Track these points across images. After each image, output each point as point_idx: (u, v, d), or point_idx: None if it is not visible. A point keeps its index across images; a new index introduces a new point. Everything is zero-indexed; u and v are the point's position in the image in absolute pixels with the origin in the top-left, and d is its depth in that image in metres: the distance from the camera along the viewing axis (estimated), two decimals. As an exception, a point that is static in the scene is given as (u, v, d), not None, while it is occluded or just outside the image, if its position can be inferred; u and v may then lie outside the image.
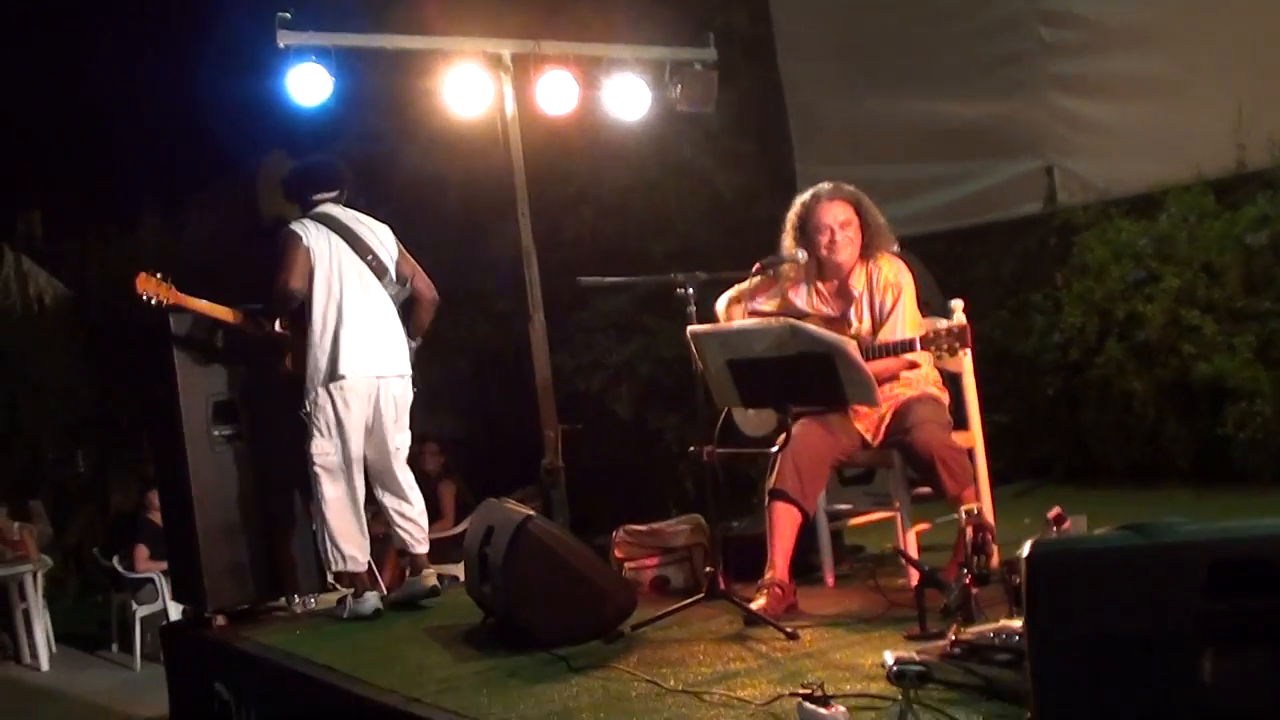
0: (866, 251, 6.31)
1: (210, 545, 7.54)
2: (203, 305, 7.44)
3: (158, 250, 7.64)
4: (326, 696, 5.71)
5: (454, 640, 6.28)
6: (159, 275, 7.28)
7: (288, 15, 8.28)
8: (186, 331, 7.56)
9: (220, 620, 7.56)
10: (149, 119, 20.30)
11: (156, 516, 10.78)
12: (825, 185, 6.41)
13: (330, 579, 7.48)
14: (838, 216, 6.30)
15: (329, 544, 7.33)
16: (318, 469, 7.29)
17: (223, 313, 7.46)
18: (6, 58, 19.08)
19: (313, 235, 7.36)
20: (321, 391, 7.25)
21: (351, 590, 7.34)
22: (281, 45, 8.32)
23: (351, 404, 7.28)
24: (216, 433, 7.63)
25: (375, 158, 14.49)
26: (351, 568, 7.33)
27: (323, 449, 7.29)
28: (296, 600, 7.86)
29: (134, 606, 12.63)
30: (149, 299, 7.25)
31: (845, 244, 6.29)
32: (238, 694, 6.87)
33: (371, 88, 11.31)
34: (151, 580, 12.49)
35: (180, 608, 9.49)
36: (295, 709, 6.17)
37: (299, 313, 7.35)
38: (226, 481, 7.67)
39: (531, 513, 6.02)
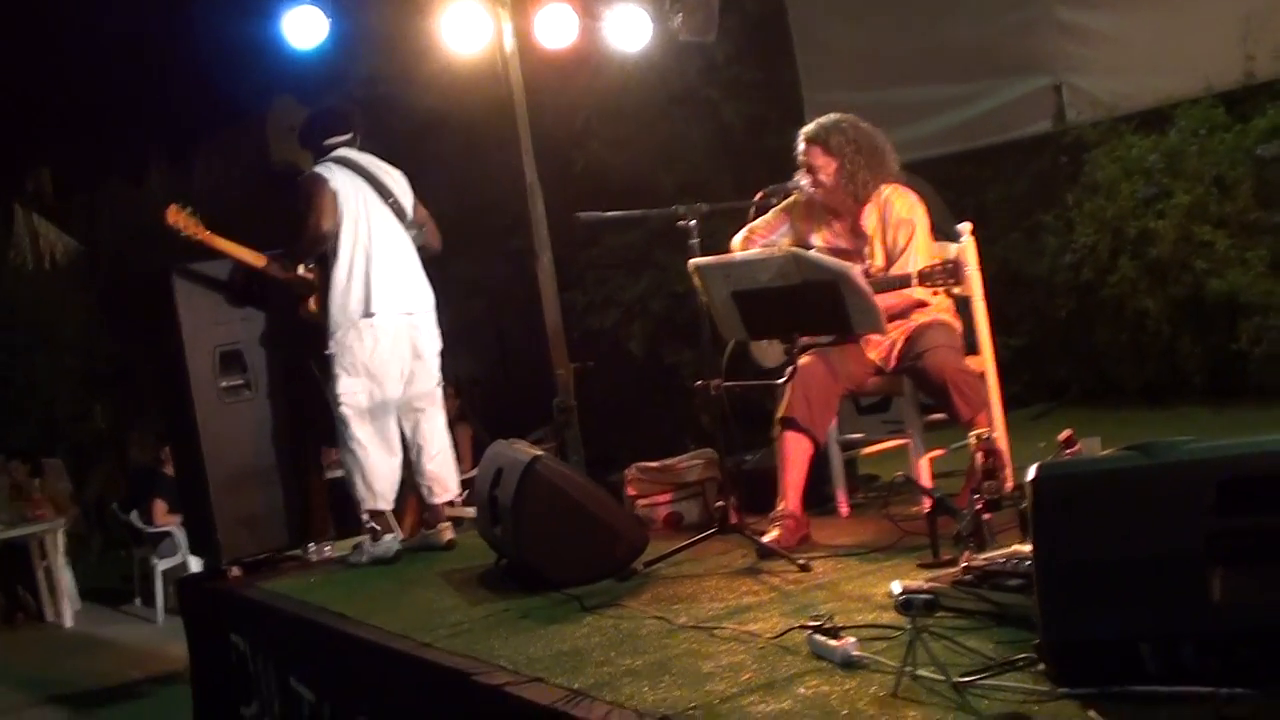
0: (854, 189, 6.21)
1: (223, 497, 7.55)
2: (229, 246, 7.47)
3: (167, 201, 7.63)
4: (339, 643, 5.70)
5: (467, 583, 6.26)
6: (189, 210, 7.30)
7: (281, -43, 8.22)
8: (190, 283, 7.54)
9: (235, 572, 7.58)
10: (152, 70, 20.26)
11: (173, 470, 10.79)
12: (809, 125, 6.34)
13: (365, 519, 7.44)
14: (807, 159, 6.27)
15: (360, 483, 7.33)
16: (345, 409, 7.27)
17: (248, 255, 7.46)
18: (7, 16, 19.00)
19: (338, 177, 7.34)
20: (350, 331, 7.22)
21: (369, 535, 7.33)
22: (274, -13, 8.26)
23: (382, 341, 7.27)
24: (224, 383, 7.63)
25: (382, 100, 14.43)
26: (381, 505, 7.35)
27: (349, 389, 7.26)
28: (312, 548, 7.87)
29: (154, 561, 12.70)
30: (179, 231, 7.26)
31: (815, 186, 6.25)
32: (254, 644, 6.88)
33: (374, 28, 11.24)
34: (171, 534, 12.54)
35: (201, 560, 9.51)
36: (309, 657, 6.16)
37: (323, 256, 7.34)
38: (236, 432, 7.67)
39: (540, 453, 5.97)
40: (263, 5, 8.48)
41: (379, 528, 7.33)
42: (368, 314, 7.20)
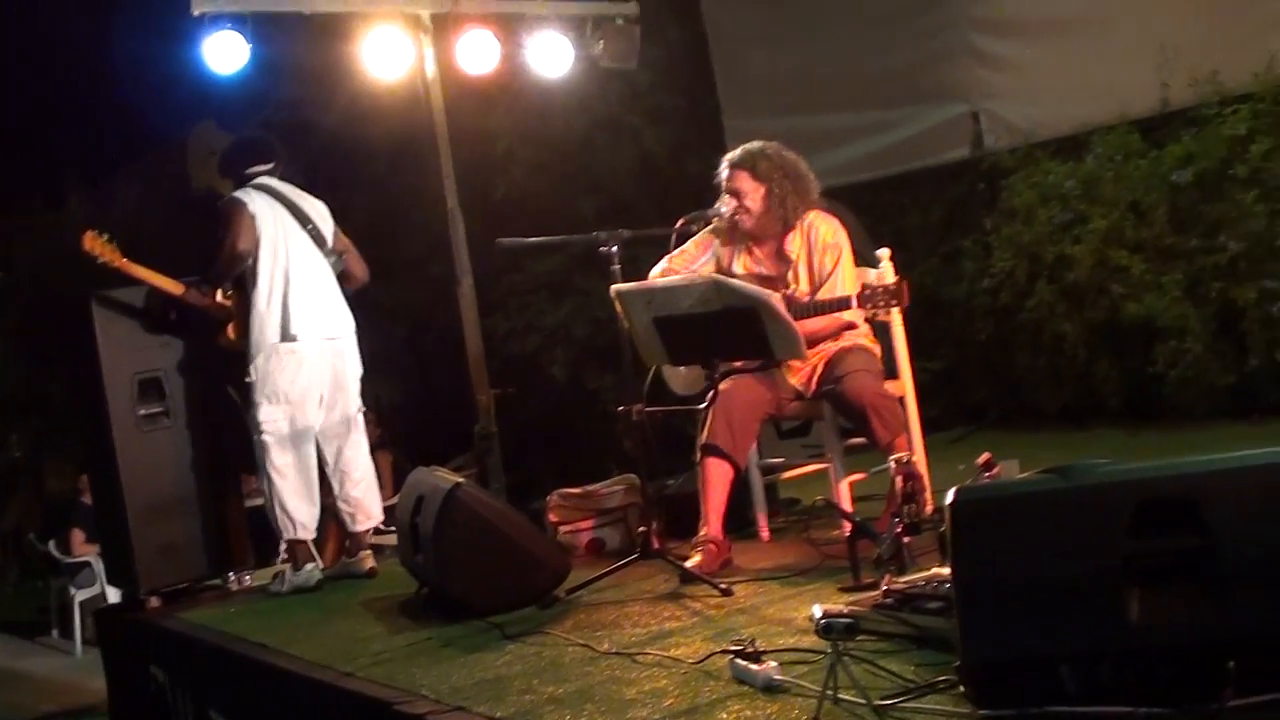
0: (784, 214, 6.25)
1: (141, 526, 7.48)
2: (145, 273, 7.42)
3: (86, 227, 7.61)
4: (259, 674, 5.66)
5: (388, 612, 6.23)
6: (105, 236, 7.25)
7: (202, -18, 8.18)
8: (109, 310, 7.49)
9: (154, 602, 7.51)
10: (72, 94, 20.07)
11: (91, 499, 10.68)
12: (735, 151, 6.38)
13: (282, 549, 7.40)
14: (733, 185, 6.29)
15: (280, 512, 7.27)
16: (266, 437, 7.22)
17: (165, 283, 7.42)
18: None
19: (256, 202, 7.33)
20: (271, 357, 7.18)
21: (290, 564, 7.29)
22: (196, 13, 8.21)
23: (303, 368, 7.24)
24: (143, 411, 7.57)
25: (303, 125, 14.38)
26: (303, 535, 7.30)
27: (270, 416, 7.21)
28: (232, 578, 7.81)
29: (72, 591, 12.58)
30: (95, 257, 7.21)
31: (742, 213, 6.28)
32: (173, 675, 6.82)
33: (295, 54, 11.21)
34: (89, 564, 12.41)
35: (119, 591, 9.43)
36: (229, 688, 6.11)
37: (241, 282, 7.31)
38: (156, 460, 7.60)
39: (461, 480, 5.96)
40: (183, 30, 8.42)
41: (300, 557, 7.28)
42: (288, 338, 7.17)
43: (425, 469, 6.57)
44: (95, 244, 7.23)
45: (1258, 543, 3.16)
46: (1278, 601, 3.12)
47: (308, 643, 5.78)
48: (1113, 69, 9.17)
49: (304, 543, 7.31)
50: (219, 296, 7.44)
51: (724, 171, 6.33)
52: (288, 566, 7.30)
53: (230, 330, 7.40)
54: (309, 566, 7.27)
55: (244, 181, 7.44)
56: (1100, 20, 9.32)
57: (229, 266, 7.24)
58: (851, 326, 6.23)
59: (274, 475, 7.24)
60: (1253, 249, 8.10)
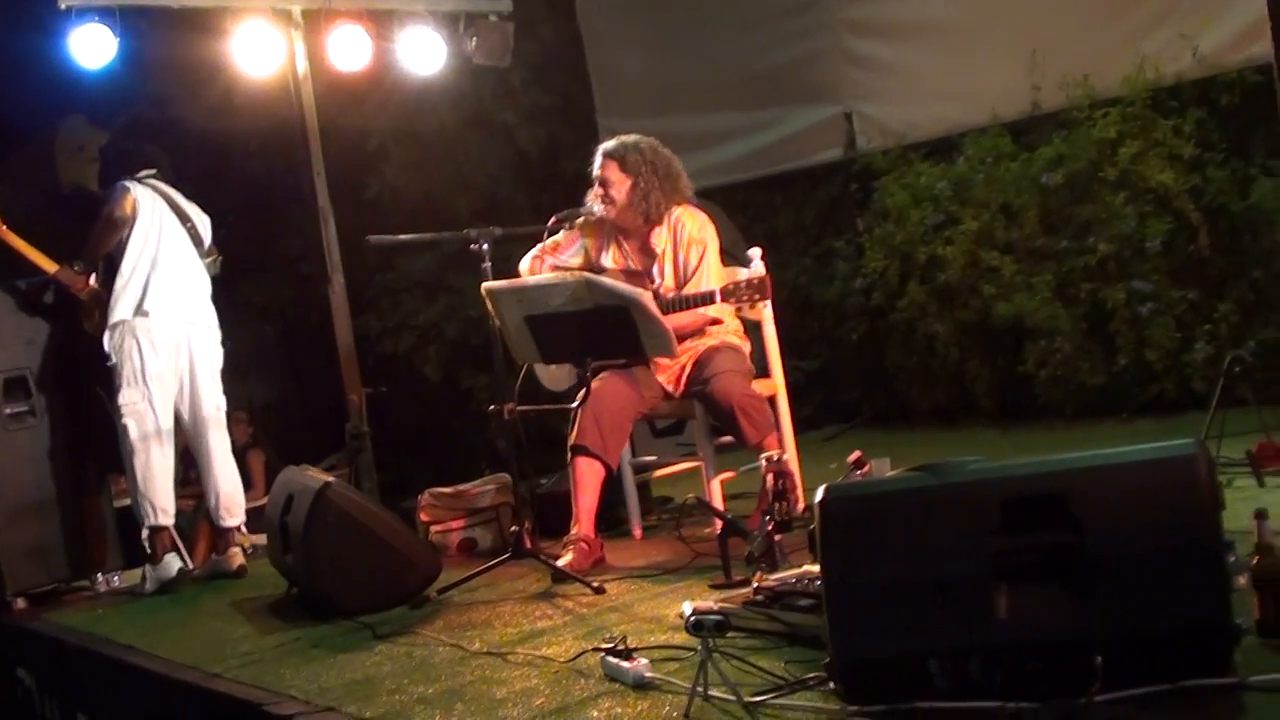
0: (646, 210, 6.26)
1: (7, 527, 7.38)
2: (21, 244, 7.41)
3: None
4: (127, 676, 5.59)
5: (258, 612, 6.19)
6: None
7: (68, -26, 8.05)
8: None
9: (21, 603, 7.39)
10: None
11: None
12: (610, 141, 6.41)
13: (145, 536, 7.29)
14: (601, 174, 6.32)
15: (141, 497, 7.21)
16: (126, 420, 7.18)
17: (40, 258, 7.37)
18: None
19: (139, 190, 7.37)
20: (126, 336, 7.17)
21: (149, 560, 7.20)
22: (63, 6, 8.08)
23: (159, 349, 7.21)
24: (8, 410, 7.48)
25: (174, 121, 14.17)
26: (162, 520, 7.23)
27: (130, 398, 7.18)
28: (100, 579, 7.70)
29: (-64, 593, 12.29)
30: None
31: (606, 202, 6.30)
32: (39, 679, 6.72)
33: (165, 48, 11.06)
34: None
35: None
36: (96, 691, 6.03)
37: (110, 262, 7.29)
38: (21, 460, 7.51)
39: (331, 479, 5.92)
40: (50, 23, 8.29)
41: (159, 548, 7.20)
42: (140, 313, 7.16)
43: (295, 468, 6.53)
44: None
45: (1124, 539, 3.19)
46: (1144, 597, 3.15)
47: (175, 644, 5.73)
48: (984, 72, 9.25)
49: (163, 530, 7.26)
50: (92, 280, 7.36)
51: (596, 159, 6.33)
52: (148, 566, 7.21)
53: (97, 316, 7.32)
54: (168, 558, 7.22)
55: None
56: (972, 23, 9.39)
57: (104, 232, 7.26)
58: (717, 322, 6.25)
59: (135, 461, 7.20)
60: (1121, 250, 8.20)
